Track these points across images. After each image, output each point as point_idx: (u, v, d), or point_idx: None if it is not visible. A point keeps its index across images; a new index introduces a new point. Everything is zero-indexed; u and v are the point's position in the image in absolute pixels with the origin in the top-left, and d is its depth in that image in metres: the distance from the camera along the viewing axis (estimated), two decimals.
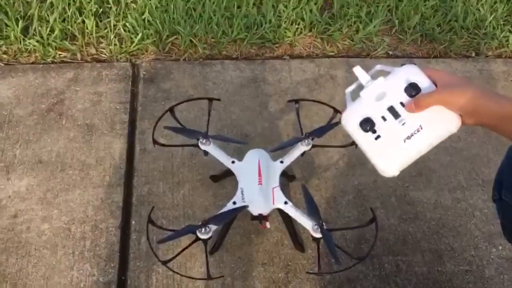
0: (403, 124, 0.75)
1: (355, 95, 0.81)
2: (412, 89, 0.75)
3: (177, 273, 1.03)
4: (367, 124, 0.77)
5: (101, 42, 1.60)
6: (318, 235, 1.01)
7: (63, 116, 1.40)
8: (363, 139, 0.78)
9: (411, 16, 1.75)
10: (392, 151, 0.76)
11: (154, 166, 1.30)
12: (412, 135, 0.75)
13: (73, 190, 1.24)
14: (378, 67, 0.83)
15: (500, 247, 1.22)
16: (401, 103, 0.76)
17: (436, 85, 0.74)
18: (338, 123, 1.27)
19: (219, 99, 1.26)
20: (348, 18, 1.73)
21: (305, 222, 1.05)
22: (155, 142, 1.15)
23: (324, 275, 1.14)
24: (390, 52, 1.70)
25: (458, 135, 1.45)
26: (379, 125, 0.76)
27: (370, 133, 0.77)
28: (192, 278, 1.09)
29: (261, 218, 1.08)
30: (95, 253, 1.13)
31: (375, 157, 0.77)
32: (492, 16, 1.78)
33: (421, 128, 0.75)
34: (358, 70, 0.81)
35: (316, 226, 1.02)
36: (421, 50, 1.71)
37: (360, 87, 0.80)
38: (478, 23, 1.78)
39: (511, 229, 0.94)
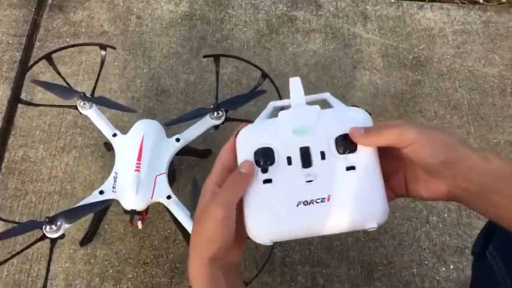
0: (308, 181, 0.49)
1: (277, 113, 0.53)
2: (347, 143, 0.49)
3: None
4: (264, 157, 0.50)
5: None
6: None
7: None
8: None
9: None
10: (275, 209, 0.49)
11: (38, 123, 1.06)
12: (311, 202, 0.48)
13: None
14: (327, 95, 0.56)
15: (452, 266, 0.97)
16: (322, 153, 0.49)
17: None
18: (264, 91, 0.99)
19: (114, 47, 0.97)
20: None
21: (187, 224, 0.82)
22: (19, 100, 0.90)
23: None
24: None
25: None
26: (278, 166, 0.50)
27: (260, 170, 0.50)
28: None
29: (134, 214, 0.84)
30: None
31: (251, 206, 0.50)
32: None
33: (328, 200, 0.48)
34: (295, 83, 0.54)
35: None
36: None
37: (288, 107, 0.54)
38: None
39: None
